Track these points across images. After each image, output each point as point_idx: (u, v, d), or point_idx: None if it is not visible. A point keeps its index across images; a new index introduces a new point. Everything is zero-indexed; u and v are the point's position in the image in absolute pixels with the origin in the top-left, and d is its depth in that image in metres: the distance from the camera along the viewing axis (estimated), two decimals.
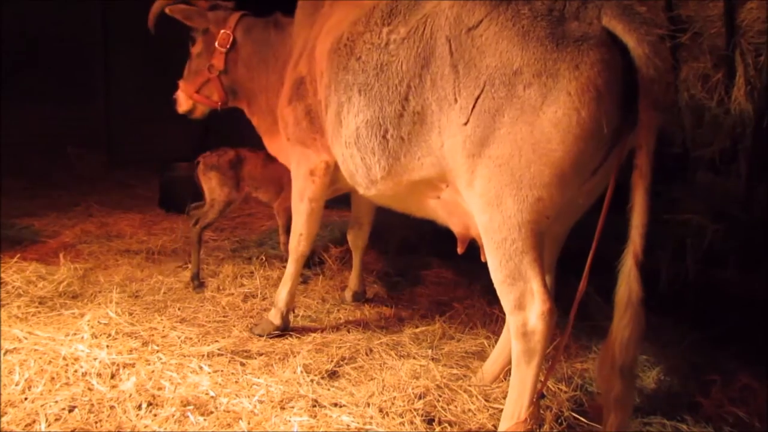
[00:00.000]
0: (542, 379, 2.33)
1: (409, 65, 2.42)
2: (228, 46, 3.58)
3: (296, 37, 3.40)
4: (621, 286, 2.08)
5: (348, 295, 3.97)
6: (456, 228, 2.75)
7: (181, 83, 3.83)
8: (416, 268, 4.57)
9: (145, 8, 3.67)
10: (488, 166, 2.17)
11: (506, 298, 2.25)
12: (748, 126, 3.47)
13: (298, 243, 3.36)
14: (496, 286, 2.28)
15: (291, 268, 3.39)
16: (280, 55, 3.52)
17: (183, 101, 3.84)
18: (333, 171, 3.19)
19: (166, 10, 3.50)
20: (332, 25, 3.05)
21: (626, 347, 2.06)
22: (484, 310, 3.66)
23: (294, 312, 3.51)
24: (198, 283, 4.04)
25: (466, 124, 2.21)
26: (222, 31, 3.58)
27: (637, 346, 2.07)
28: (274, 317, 3.33)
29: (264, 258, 4.54)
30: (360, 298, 3.97)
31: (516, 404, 2.28)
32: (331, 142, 3.00)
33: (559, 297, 2.46)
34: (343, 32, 2.86)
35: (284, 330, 3.34)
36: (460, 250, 2.81)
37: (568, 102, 2.00)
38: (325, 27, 3.11)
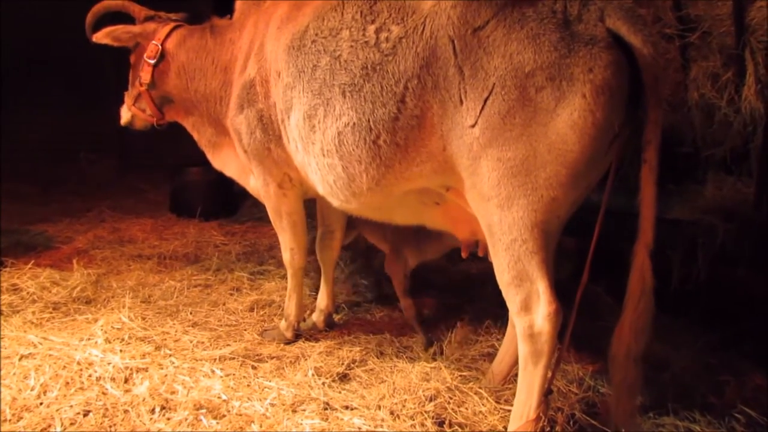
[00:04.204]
0: (549, 374, 2.33)
1: (407, 66, 2.29)
2: (156, 58, 3.31)
3: (238, 39, 3.17)
4: (634, 276, 2.12)
5: (318, 318, 3.55)
6: (461, 234, 2.73)
7: (125, 94, 3.60)
8: (426, 271, 4.56)
9: None
10: (498, 168, 2.15)
11: (512, 299, 2.26)
12: (758, 125, 3.44)
13: (291, 258, 3.29)
14: (501, 287, 2.29)
15: (292, 282, 3.35)
16: (220, 60, 3.23)
17: (123, 113, 3.65)
18: (302, 180, 3.02)
19: (93, 39, 3.32)
20: (283, 19, 2.84)
21: (640, 335, 2.12)
22: (494, 312, 3.65)
23: (305, 320, 3.52)
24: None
25: (473, 126, 2.17)
26: (151, 42, 3.33)
27: (647, 333, 2.13)
28: (286, 330, 3.33)
29: (275, 262, 4.55)
30: (331, 322, 3.60)
31: (525, 405, 2.29)
32: (295, 151, 2.79)
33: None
34: (306, 27, 2.64)
35: (295, 339, 3.34)
36: (464, 254, 2.81)
37: (583, 104, 2.02)
38: (273, 22, 2.90)
